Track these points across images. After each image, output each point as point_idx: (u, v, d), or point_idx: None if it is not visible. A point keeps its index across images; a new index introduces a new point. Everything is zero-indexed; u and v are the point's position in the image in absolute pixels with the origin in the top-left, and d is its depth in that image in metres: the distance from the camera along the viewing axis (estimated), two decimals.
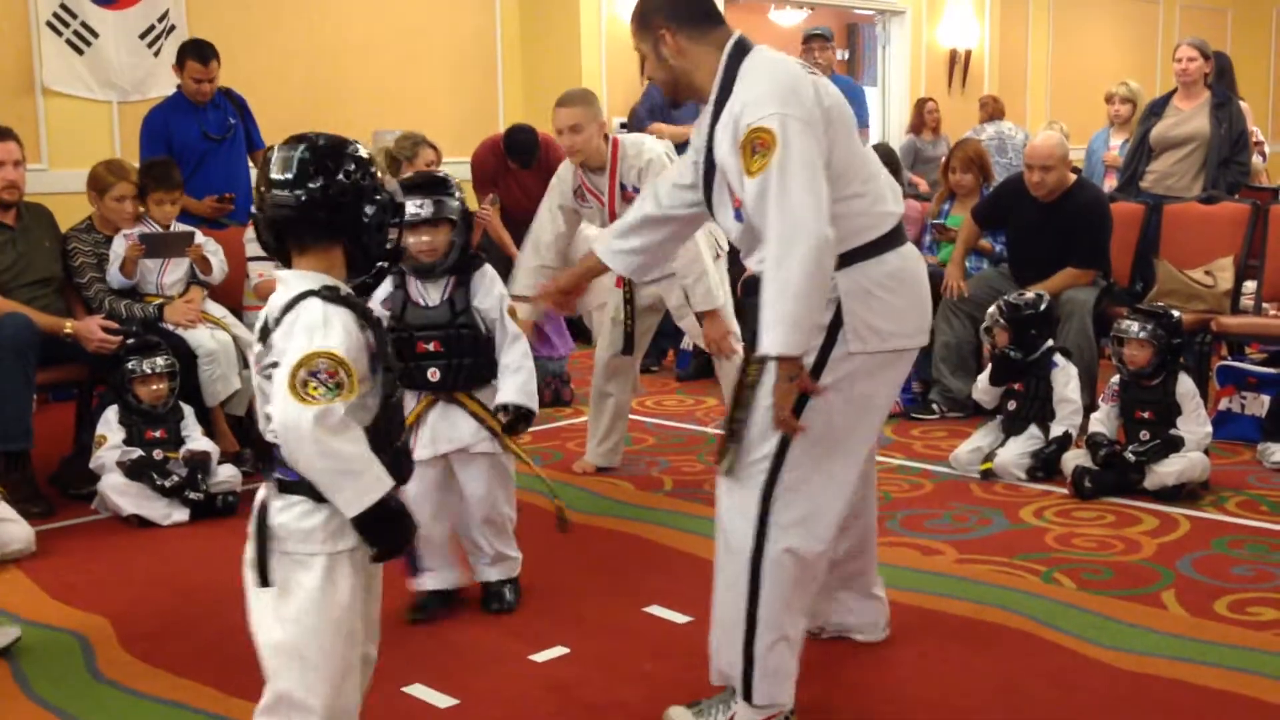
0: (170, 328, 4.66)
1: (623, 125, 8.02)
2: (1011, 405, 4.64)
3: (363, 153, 2.07)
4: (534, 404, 3.18)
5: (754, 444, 2.49)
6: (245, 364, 4.79)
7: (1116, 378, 4.48)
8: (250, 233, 5.05)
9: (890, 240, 2.52)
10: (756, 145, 2.37)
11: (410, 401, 3.15)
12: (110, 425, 4.31)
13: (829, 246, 2.37)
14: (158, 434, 4.32)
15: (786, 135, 2.35)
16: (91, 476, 4.29)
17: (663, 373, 6.69)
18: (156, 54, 6.57)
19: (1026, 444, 4.51)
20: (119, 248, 4.74)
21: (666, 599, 3.33)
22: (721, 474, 2.56)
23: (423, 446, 3.15)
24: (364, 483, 1.95)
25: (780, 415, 2.43)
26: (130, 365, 4.34)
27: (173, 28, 6.61)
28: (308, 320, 1.96)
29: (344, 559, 2.02)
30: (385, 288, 3.13)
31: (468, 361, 3.16)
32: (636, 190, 4.20)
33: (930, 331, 2.81)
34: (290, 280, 2.04)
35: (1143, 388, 4.37)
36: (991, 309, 4.77)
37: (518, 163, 6.17)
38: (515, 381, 3.16)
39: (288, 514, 2.01)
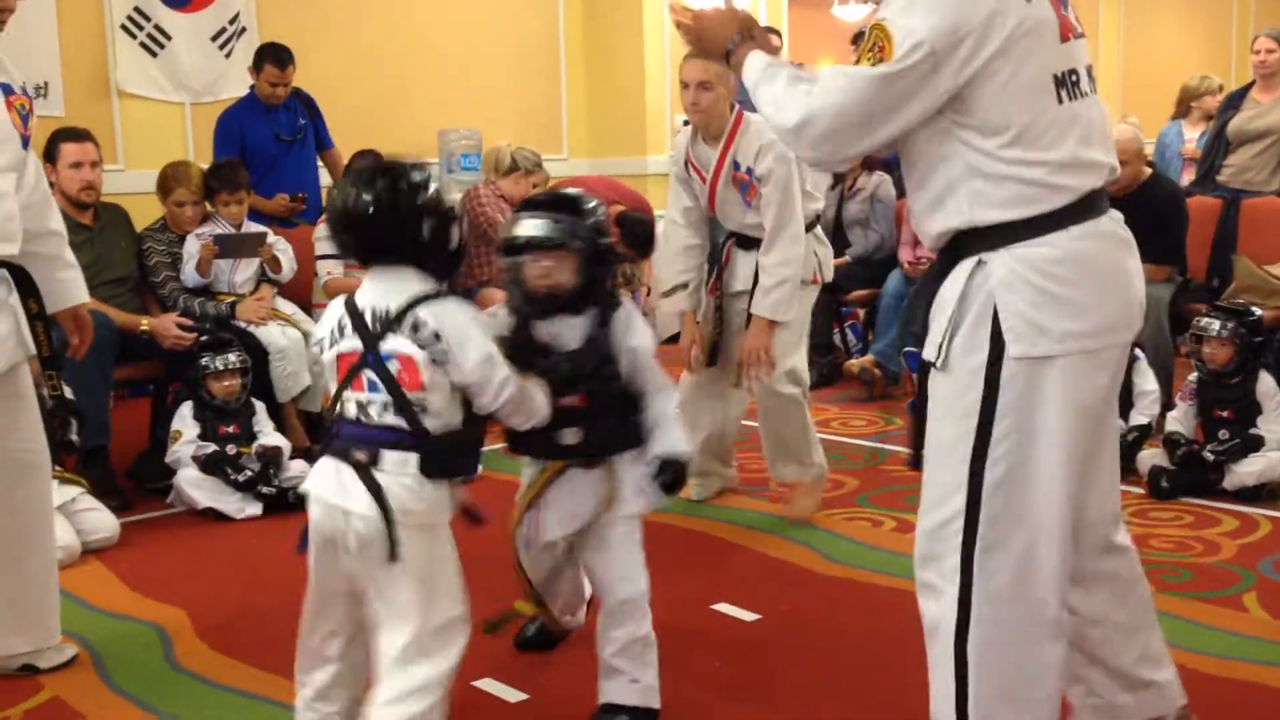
0: (242, 325, 4.74)
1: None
2: None
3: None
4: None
5: (940, 499, 2.03)
6: (316, 360, 4.86)
7: (1194, 375, 4.38)
8: (319, 230, 5.13)
9: (1064, 217, 2.01)
10: (877, 43, 1.94)
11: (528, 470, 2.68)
12: (185, 421, 4.39)
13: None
14: (231, 429, 4.39)
15: (908, 57, 1.90)
16: (167, 471, 4.38)
17: None
18: (228, 56, 6.68)
19: None
20: (192, 248, 4.83)
21: (734, 597, 3.33)
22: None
23: (551, 526, 2.66)
24: None
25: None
26: (204, 362, 4.41)
27: (243, 30, 6.71)
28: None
29: None
30: (501, 321, 2.58)
31: (613, 421, 2.57)
32: (750, 172, 3.85)
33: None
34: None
35: (1222, 386, 4.27)
36: None
37: (636, 254, 5.39)
38: (677, 432, 2.61)
39: (429, 488, 2.25)
